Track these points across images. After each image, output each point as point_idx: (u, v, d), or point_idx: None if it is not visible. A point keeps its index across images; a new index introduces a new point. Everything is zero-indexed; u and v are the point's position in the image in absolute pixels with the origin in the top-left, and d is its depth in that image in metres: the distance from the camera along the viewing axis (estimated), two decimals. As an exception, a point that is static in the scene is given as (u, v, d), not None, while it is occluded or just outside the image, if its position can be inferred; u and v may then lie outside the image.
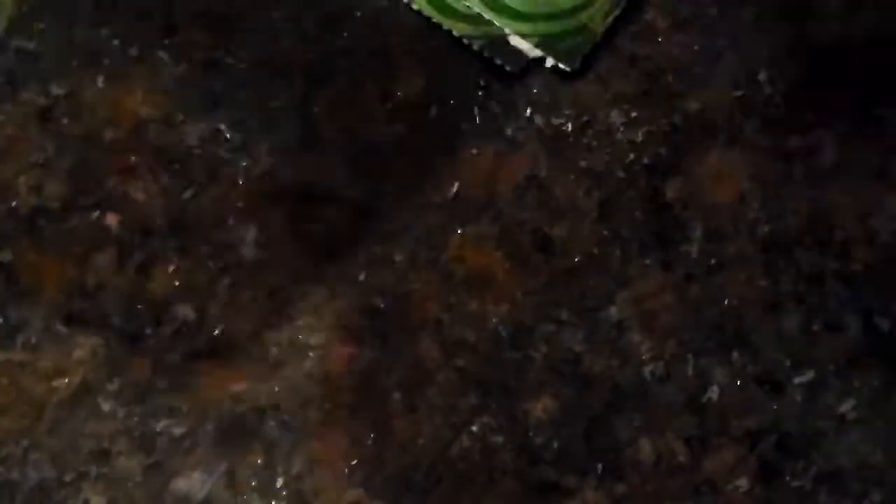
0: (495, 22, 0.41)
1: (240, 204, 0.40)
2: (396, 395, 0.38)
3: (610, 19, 0.41)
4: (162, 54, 0.41)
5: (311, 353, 0.38)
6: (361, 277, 0.39)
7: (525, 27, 0.41)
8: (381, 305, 0.39)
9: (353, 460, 0.37)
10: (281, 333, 0.38)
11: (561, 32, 0.41)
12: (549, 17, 0.41)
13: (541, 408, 0.38)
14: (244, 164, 0.40)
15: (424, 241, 0.39)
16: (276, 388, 0.38)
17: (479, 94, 0.41)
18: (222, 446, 0.37)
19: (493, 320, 0.38)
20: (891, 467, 0.37)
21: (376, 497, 0.37)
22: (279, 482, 0.37)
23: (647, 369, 0.38)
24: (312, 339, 0.38)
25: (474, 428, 0.37)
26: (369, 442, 0.37)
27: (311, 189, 0.40)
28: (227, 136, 0.40)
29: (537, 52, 0.41)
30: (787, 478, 0.37)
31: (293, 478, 0.37)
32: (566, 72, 0.41)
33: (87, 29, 0.41)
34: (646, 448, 0.37)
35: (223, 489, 0.37)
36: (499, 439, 0.37)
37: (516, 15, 0.41)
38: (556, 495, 0.37)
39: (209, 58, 0.41)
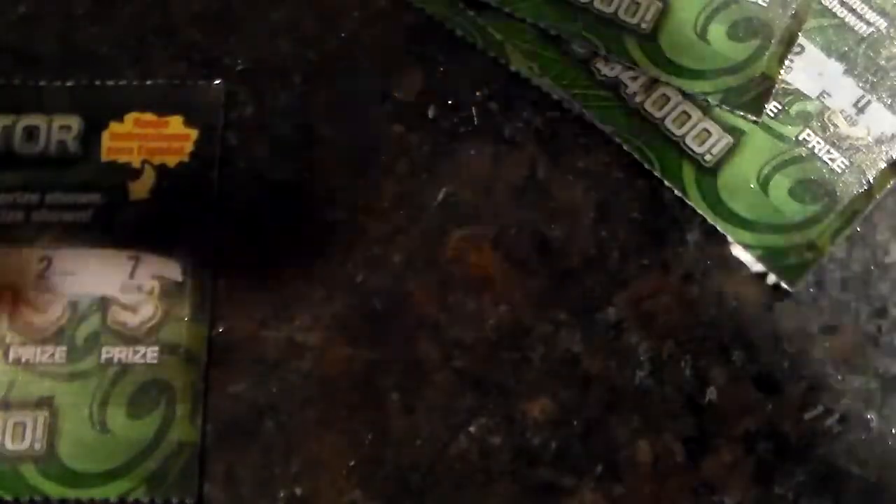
0: (719, 228, 0.39)
1: (238, 204, 0.40)
2: (394, 396, 0.38)
3: (841, 238, 0.39)
4: (160, 54, 0.41)
5: (309, 354, 0.38)
6: (359, 278, 0.39)
7: (749, 237, 0.39)
8: (379, 306, 0.39)
9: (351, 461, 0.37)
10: (279, 334, 0.38)
11: (786, 247, 0.39)
12: (775, 228, 0.39)
13: (539, 408, 0.37)
14: (242, 164, 0.40)
15: (422, 242, 0.39)
16: (275, 389, 0.38)
17: (478, 94, 0.41)
18: (221, 446, 0.37)
19: (491, 321, 0.38)
20: (889, 468, 0.37)
21: (374, 497, 0.37)
22: (277, 482, 0.37)
23: (645, 370, 0.38)
24: (310, 340, 0.38)
25: (472, 428, 0.37)
26: (367, 442, 0.37)
27: (311, 189, 0.40)
28: (227, 135, 0.41)
29: (759, 267, 0.39)
30: (785, 479, 0.37)
31: (291, 478, 0.37)
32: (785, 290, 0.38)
33: (85, 29, 0.41)
34: (644, 449, 0.37)
35: (221, 489, 0.37)
36: (496, 440, 0.37)
37: (741, 222, 0.39)
38: (553, 496, 0.37)
39: (209, 58, 0.41)
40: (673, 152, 0.40)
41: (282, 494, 0.37)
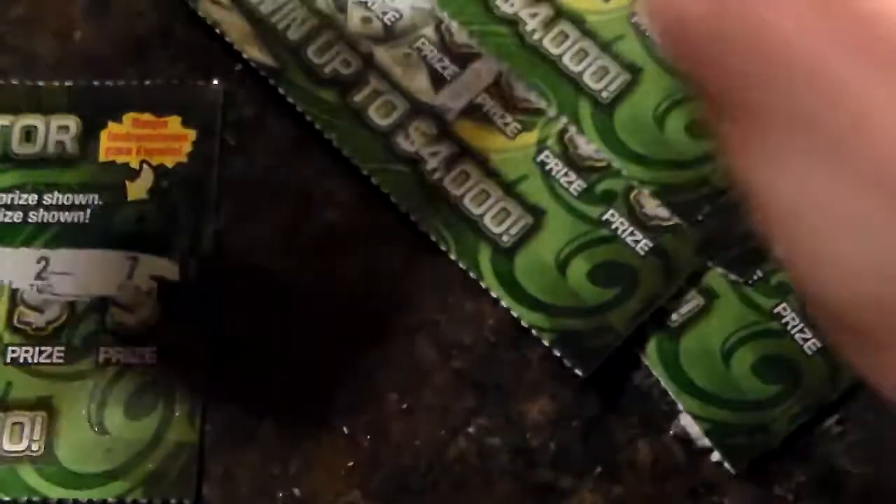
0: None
1: (237, 205, 0.40)
2: (393, 397, 0.37)
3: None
4: (158, 54, 0.41)
5: (308, 355, 0.38)
6: (359, 278, 0.39)
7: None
8: (379, 306, 0.38)
9: (349, 461, 0.37)
10: (279, 334, 0.38)
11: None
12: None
13: (538, 409, 0.37)
14: (241, 165, 0.40)
15: (422, 242, 0.39)
16: (274, 389, 0.38)
17: (477, 94, 0.41)
18: (220, 447, 0.37)
19: (490, 321, 0.38)
20: (888, 468, 0.37)
21: (373, 498, 0.37)
22: (276, 483, 0.37)
23: (644, 370, 0.38)
24: (310, 341, 0.38)
25: (471, 429, 0.37)
26: (366, 443, 0.37)
27: (310, 189, 0.40)
28: (225, 136, 0.40)
29: (705, 442, 0.37)
30: (785, 479, 0.37)
31: (290, 479, 0.37)
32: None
33: (82, 31, 0.41)
34: (643, 450, 0.37)
35: (220, 490, 0.36)
36: (495, 441, 0.37)
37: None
38: (552, 497, 0.37)
39: (207, 58, 0.41)
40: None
41: (280, 495, 0.36)
